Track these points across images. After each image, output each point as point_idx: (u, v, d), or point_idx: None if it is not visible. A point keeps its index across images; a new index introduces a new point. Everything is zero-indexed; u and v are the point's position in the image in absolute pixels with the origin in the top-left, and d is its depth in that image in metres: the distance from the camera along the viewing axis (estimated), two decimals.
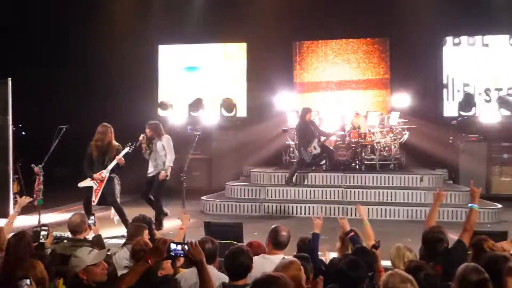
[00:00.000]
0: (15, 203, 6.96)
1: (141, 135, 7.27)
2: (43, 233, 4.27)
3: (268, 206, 8.98)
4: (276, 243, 3.99)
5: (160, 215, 7.37)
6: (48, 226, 4.38)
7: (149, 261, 2.82)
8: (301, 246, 4.25)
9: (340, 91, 11.93)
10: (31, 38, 11.51)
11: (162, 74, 12.81)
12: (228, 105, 11.85)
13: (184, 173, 7.19)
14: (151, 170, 7.48)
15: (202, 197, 9.40)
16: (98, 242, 4.53)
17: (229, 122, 11.92)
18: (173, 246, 2.76)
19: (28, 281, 2.58)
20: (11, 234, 4.01)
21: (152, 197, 7.42)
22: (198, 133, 7.79)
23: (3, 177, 8.42)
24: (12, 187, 8.50)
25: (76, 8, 11.43)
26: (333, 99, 11.66)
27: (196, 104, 12.05)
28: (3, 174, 8.41)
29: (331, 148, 9.74)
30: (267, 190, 9.40)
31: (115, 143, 7.06)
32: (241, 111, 12.24)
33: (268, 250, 4.04)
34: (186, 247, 2.75)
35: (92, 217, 4.98)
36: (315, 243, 4.10)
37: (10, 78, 8.34)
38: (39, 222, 6.44)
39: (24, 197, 4.97)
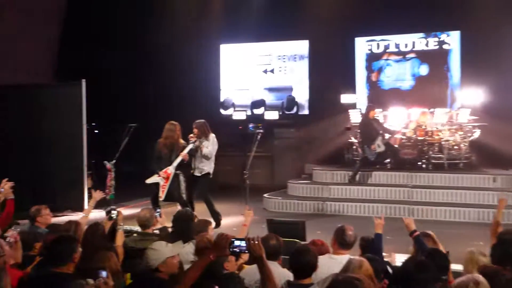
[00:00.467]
0: (90, 197, 7.38)
1: (190, 135, 7.35)
2: (113, 212, 4.63)
3: (330, 205, 8.94)
4: (343, 242, 3.95)
5: (216, 215, 7.38)
6: (117, 208, 4.84)
7: (212, 256, 2.85)
8: (364, 246, 4.20)
9: None
10: (99, 39, 11.76)
11: (224, 73, 13.01)
12: (290, 103, 12.09)
13: (247, 171, 7.44)
14: (197, 170, 7.56)
15: (265, 195, 9.53)
16: (164, 234, 4.62)
17: (290, 119, 12.04)
18: (236, 242, 2.78)
19: (104, 273, 2.68)
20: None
21: (189, 199, 7.48)
22: (260, 131, 7.93)
23: (78, 173, 8.76)
24: (87, 183, 8.80)
25: (137, 8, 11.74)
26: (398, 96, 11.41)
27: (258, 103, 12.32)
28: (78, 170, 8.76)
29: (396, 146, 9.55)
30: (330, 188, 9.38)
31: (181, 141, 7.26)
32: (304, 109, 12.32)
33: (334, 250, 4.01)
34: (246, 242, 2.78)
35: (158, 210, 5.16)
36: (379, 244, 4.04)
37: (84, 80, 8.66)
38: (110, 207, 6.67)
39: (97, 191, 5.17)
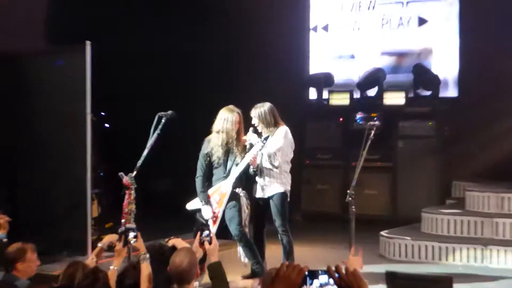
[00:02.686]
0: (97, 237, 7.74)
1: (249, 133, 7.69)
2: (131, 234, 4.99)
3: (497, 251, 8.91)
4: None
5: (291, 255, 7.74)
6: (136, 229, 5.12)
7: None
8: None
9: None
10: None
11: (315, 29, 13.55)
12: (426, 79, 12.17)
13: (352, 192, 7.25)
14: (260, 189, 7.84)
15: (382, 232, 9.67)
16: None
17: (426, 106, 12.05)
18: (322, 277, 2.91)
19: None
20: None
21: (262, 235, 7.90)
22: (375, 125, 7.91)
23: (78, 192, 8.85)
24: (91, 208, 8.92)
25: None
26: None
27: (372, 79, 12.47)
28: (79, 188, 8.84)
29: None
30: (495, 223, 9.36)
31: (245, 137, 7.60)
32: (449, 89, 12.38)
33: None
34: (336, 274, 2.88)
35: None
36: None
37: (89, 42, 8.69)
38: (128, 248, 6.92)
39: (108, 236, 5.43)
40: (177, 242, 5.39)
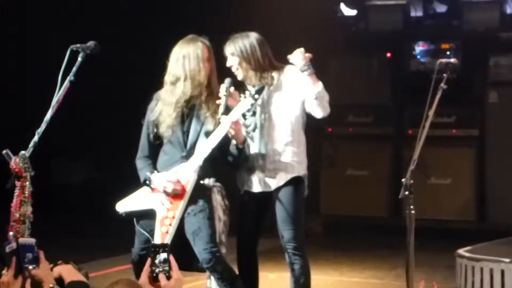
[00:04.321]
0: None
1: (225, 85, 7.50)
2: (28, 256, 4.89)
3: None
4: None
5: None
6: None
7: None
8: None
9: None
10: None
11: None
12: None
13: (411, 179, 6.55)
14: (258, 179, 7.78)
15: (461, 251, 9.30)
16: None
17: None
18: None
19: None
20: None
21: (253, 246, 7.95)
22: (450, 63, 7.15)
23: None
24: None
25: None
26: None
27: None
28: None
29: None
30: None
31: (218, 90, 7.42)
32: None
33: None
34: None
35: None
36: None
37: None
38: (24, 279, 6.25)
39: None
40: (65, 270, 5.15)
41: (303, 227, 7.70)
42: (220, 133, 7.28)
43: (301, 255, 7.52)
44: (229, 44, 7.62)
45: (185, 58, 7.38)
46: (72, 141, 11.13)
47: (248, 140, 7.63)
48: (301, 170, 7.60)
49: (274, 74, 7.60)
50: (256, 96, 7.30)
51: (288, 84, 7.64)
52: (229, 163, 7.59)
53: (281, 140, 7.59)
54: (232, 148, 7.39)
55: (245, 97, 7.28)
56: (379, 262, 9.68)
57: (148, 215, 7.30)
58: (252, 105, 7.31)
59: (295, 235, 7.50)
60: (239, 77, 7.57)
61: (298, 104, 7.59)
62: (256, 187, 7.57)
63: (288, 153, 7.60)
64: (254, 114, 7.62)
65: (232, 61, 7.57)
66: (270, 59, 7.67)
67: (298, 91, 7.61)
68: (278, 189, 7.52)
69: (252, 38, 7.63)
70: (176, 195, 7.26)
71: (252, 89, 7.35)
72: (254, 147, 7.64)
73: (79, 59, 6.83)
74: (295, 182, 7.55)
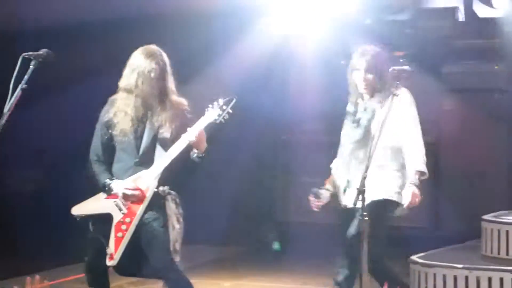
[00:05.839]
0: None
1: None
2: None
3: None
4: None
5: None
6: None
7: None
8: None
9: None
10: None
11: None
12: None
13: (364, 186, 7.03)
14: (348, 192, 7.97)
15: (414, 257, 9.53)
16: None
17: (486, 35, 12.59)
18: None
19: None
20: None
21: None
22: (403, 70, 7.72)
23: None
24: None
25: None
26: None
27: None
28: None
29: None
30: None
31: (175, 98, 7.46)
32: None
33: None
34: None
35: None
36: None
37: None
38: None
39: None
40: None
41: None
42: (183, 143, 7.30)
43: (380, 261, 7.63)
44: (360, 56, 7.81)
45: (138, 73, 7.37)
46: (21, 149, 10.94)
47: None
48: (388, 191, 7.75)
49: (382, 94, 7.74)
50: (224, 107, 7.31)
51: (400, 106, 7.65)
52: (187, 170, 7.56)
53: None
54: (193, 156, 7.37)
55: (211, 107, 7.30)
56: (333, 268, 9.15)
57: (103, 220, 7.30)
58: (219, 115, 7.30)
59: (378, 248, 7.49)
60: (354, 94, 7.73)
61: None
62: (345, 201, 7.81)
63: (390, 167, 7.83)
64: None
65: (357, 77, 7.73)
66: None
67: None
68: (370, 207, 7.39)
69: (377, 49, 7.91)
70: (134, 201, 7.32)
71: (221, 100, 7.34)
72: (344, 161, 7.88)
73: (31, 67, 6.74)
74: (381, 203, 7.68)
